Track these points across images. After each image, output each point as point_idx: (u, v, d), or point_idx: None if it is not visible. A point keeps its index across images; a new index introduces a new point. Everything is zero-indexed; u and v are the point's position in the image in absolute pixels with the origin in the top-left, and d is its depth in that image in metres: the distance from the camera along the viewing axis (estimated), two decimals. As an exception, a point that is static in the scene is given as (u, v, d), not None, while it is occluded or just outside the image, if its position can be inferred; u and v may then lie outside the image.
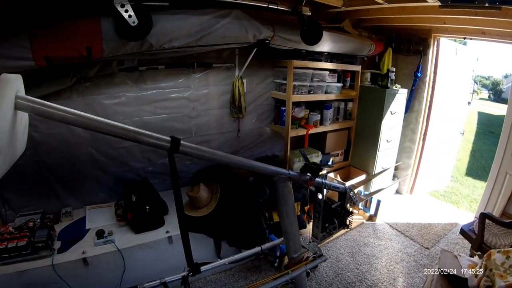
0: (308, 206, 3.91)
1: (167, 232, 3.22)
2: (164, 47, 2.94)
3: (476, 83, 19.12)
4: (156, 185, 3.62)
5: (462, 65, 5.46)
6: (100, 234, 3.05)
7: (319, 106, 4.54)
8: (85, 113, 1.34)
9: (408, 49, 5.14)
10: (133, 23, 2.59)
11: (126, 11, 2.51)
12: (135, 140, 1.54)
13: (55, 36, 2.65)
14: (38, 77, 2.91)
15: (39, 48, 2.60)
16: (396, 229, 4.52)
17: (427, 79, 5.06)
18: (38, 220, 3.20)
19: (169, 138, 1.62)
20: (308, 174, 2.43)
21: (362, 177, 4.67)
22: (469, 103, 9.61)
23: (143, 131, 1.54)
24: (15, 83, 1.21)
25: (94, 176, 3.66)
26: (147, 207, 3.22)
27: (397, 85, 4.87)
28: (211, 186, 3.53)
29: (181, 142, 1.66)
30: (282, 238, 2.82)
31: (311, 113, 4.36)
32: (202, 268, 2.32)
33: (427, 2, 2.99)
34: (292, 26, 3.60)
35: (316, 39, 3.48)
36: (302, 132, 4.22)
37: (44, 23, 2.67)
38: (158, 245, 3.17)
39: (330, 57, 4.30)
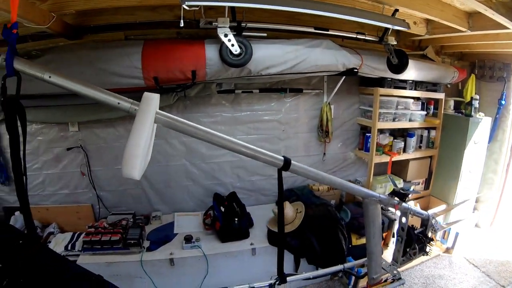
0: (386, 233, 3.96)
1: (251, 244, 3.41)
2: (261, 73, 3.20)
3: None
4: (242, 200, 3.84)
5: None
6: (188, 239, 3.34)
7: (403, 134, 4.57)
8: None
9: (492, 75, 4.97)
10: (236, 51, 2.86)
11: (229, 40, 2.79)
12: (253, 157, 1.73)
13: (163, 59, 3.01)
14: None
15: (149, 69, 2.99)
16: (473, 264, 4.33)
17: (511, 106, 4.85)
18: (131, 220, 3.62)
19: (282, 158, 1.79)
20: (396, 198, 2.52)
21: (442, 207, 4.56)
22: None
23: (261, 150, 1.73)
24: (155, 101, 1.42)
25: (186, 186, 4.01)
26: (236, 219, 3.43)
27: (480, 113, 4.70)
28: (296, 205, 3.67)
29: (292, 162, 1.82)
30: (364, 259, 2.92)
31: (395, 140, 4.39)
32: (288, 278, 2.48)
33: (509, 29, 2.97)
34: (378, 55, 3.74)
35: (402, 68, 3.55)
36: (385, 159, 4.28)
37: (154, 46, 3.05)
38: (241, 255, 3.37)
39: (414, 84, 4.33)
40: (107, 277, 2.33)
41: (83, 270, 1.92)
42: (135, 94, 3.13)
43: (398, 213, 2.73)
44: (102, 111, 3.50)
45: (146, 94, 1.41)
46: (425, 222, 2.93)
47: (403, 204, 2.57)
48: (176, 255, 3.23)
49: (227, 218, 3.44)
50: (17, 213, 3.74)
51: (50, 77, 1.34)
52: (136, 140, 1.33)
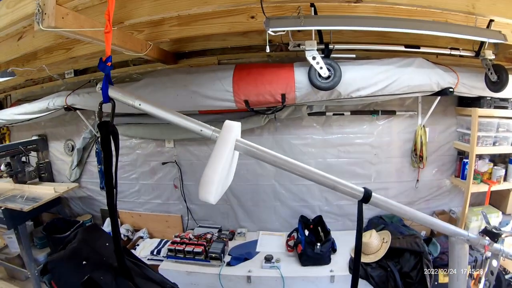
0: (479, 272, 3.64)
1: (331, 271, 3.34)
2: (352, 96, 3.17)
3: None
4: (328, 224, 3.79)
5: None
6: (268, 259, 3.41)
7: (504, 160, 4.12)
8: (277, 153, 1.54)
9: None
10: (324, 74, 2.88)
11: (318, 63, 2.81)
12: (332, 187, 1.68)
13: (253, 83, 3.14)
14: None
15: (240, 93, 3.15)
16: None
17: None
18: (215, 234, 3.84)
19: (362, 189, 1.72)
20: (487, 238, 2.33)
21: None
22: None
23: (340, 180, 1.67)
24: (235, 129, 1.47)
25: (273, 206, 4.10)
26: (318, 244, 3.38)
27: None
28: (383, 234, 3.54)
29: (372, 194, 1.77)
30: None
31: (495, 167, 3.96)
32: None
33: None
34: (475, 71, 3.47)
35: (502, 86, 3.24)
36: (483, 188, 3.85)
37: (244, 70, 3.21)
38: (319, 281, 3.33)
39: (517, 104, 3.92)
40: (185, 285, 2.54)
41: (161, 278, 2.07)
42: (229, 115, 3.40)
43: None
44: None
45: (227, 122, 1.46)
46: None
47: (495, 245, 2.37)
48: (254, 273, 3.32)
49: (309, 242, 3.42)
50: None
51: (140, 104, 1.46)
52: (214, 166, 1.39)
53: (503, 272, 2.63)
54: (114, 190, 1.54)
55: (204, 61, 3.66)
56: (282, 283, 3.26)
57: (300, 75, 3.07)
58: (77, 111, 3.95)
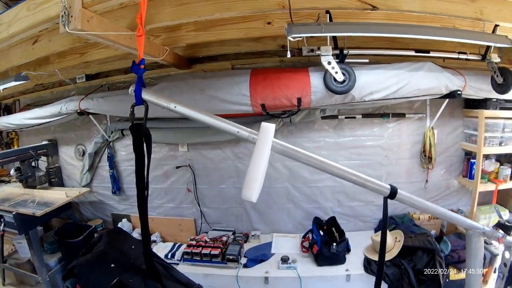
0: (487, 269, 3.78)
1: (347, 270, 3.46)
2: (365, 99, 3.31)
3: None
4: (341, 225, 3.88)
5: None
6: (285, 259, 3.51)
7: (510, 159, 4.28)
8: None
9: None
10: (340, 78, 3.01)
11: (333, 68, 2.92)
12: (362, 185, 1.80)
13: (270, 87, 3.25)
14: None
15: (257, 97, 3.26)
16: None
17: None
18: (231, 236, 3.93)
19: (388, 186, 1.85)
20: (501, 231, 2.46)
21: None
22: None
23: (369, 178, 1.80)
24: (272, 131, 1.53)
25: (286, 208, 4.21)
26: (334, 244, 3.48)
27: None
28: (395, 234, 3.66)
29: (398, 190, 1.88)
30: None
31: (501, 166, 4.12)
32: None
33: None
34: (482, 74, 3.63)
35: (508, 88, 3.36)
36: (490, 187, 4.02)
37: (260, 74, 3.32)
38: (335, 280, 3.44)
39: (522, 104, 4.09)
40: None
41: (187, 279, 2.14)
42: (244, 119, 3.48)
43: (501, 248, 2.64)
44: (209, 135, 3.86)
45: (264, 124, 1.53)
46: None
47: (508, 237, 2.49)
48: (271, 274, 3.42)
49: (325, 243, 3.52)
50: (124, 219, 4.38)
51: (175, 107, 1.52)
52: (257, 166, 1.47)
53: None
54: (146, 192, 1.61)
55: (218, 66, 3.76)
56: (299, 283, 3.35)
57: (315, 80, 3.20)
58: (90, 115, 4.02)
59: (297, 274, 3.38)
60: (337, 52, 2.97)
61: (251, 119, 3.66)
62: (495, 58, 3.25)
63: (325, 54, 2.85)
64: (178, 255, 3.83)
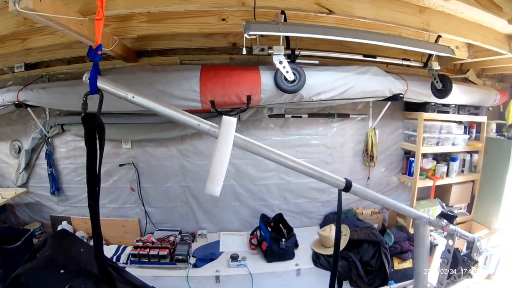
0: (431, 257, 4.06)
1: (296, 265, 3.57)
2: (313, 99, 3.44)
3: None
4: (288, 222, 3.99)
5: None
6: (234, 257, 3.55)
7: (446, 158, 4.68)
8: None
9: (534, 96, 5.05)
10: (290, 78, 3.09)
11: (284, 67, 3.01)
12: (319, 179, 1.89)
13: (221, 83, 3.26)
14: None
15: (207, 93, 3.24)
16: (515, 291, 4.39)
17: (555, 128, 4.91)
18: (178, 236, 3.87)
19: (344, 180, 1.95)
20: (444, 220, 2.68)
21: (484, 232, 4.62)
22: None
23: (326, 172, 1.90)
24: (234, 124, 1.56)
25: (233, 206, 4.24)
26: (283, 239, 3.58)
27: (523, 135, 4.77)
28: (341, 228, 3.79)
29: (352, 184, 2.00)
30: (407, 281, 3.14)
31: (438, 164, 4.48)
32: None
33: None
34: (422, 80, 3.92)
35: (446, 93, 3.70)
36: (428, 183, 4.37)
37: (211, 71, 3.30)
38: (286, 276, 3.53)
39: (457, 108, 4.46)
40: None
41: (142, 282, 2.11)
42: None
43: (441, 239, 2.85)
44: (155, 131, 3.80)
45: (226, 117, 1.55)
46: (471, 245, 3.00)
47: (451, 226, 2.67)
48: (222, 272, 3.43)
49: (274, 239, 3.60)
50: (64, 222, 4.12)
51: (133, 97, 1.45)
52: (221, 159, 1.50)
53: (459, 251, 2.98)
54: (98, 188, 1.54)
55: (166, 60, 3.69)
56: (251, 280, 3.40)
57: (266, 78, 3.26)
58: (28, 108, 3.72)
59: (248, 271, 3.43)
60: (288, 52, 3.05)
61: (199, 116, 3.58)
62: (435, 66, 3.57)
63: (277, 53, 2.92)
64: (123, 258, 3.67)
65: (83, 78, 1.44)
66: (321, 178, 1.91)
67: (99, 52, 1.44)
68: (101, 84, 1.42)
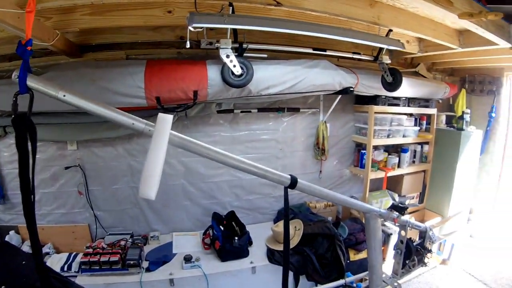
0: (383, 247, 4.14)
1: (251, 262, 3.54)
2: (261, 93, 3.39)
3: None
4: (240, 219, 3.97)
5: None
6: (188, 259, 3.46)
7: (397, 150, 4.82)
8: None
9: (482, 89, 5.31)
10: (237, 72, 3.03)
11: (231, 61, 2.94)
12: (263, 176, 1.87)
13: (166, 79, 3.14)
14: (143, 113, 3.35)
15: (152, 89, 3.12)
16: (469, 273, 4.56)
17: (501, 119, 5.21)
18: (129, 240, 3.71)
19: (289, 176, 1.94)
20: (395, 212, 2.73)
21: (437, 219, 4.80)
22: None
23: (269, 169, 1.87)
24: (169, 122, 1.49)
25: (184, 206, 4.15)
26: (235, 238, 3.55)
27: (471, 126, 4.99)
28: (294, 223, 3.81)
29: (298, 180, 1.98)
30: (364, 273, 3.17)
31: (390, 156, 4.63)
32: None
33: (498, 45, 3.21)
34: (372, 73, 3.98)
35: (396, 86, 3.76)
36: (380, 174, 4.49)
37: (156, 66, 3.17)
38: (241, 274, 3.50)
39: (408, 101, 4.59)
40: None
41: None
42: (136, 114, 3.33)
43: (395, 228, 2.90)
44: (101, 130, 3.63)
45: (161, 115, 1.48)
46: (423, 234, 3.11)
47: (402, 217, 2.74)
48: (176, 275, 3.34)
49: (227, 237, 3.56)
50: (11, 232, 3.86)
51: (64, 96, 1.37)
52: (155, 160, 1.41)
53: (412, 240, 3.04)
54: (32, 196, 1.43)
55: (111, 55, 3.55)
56: (206, 281, 3.34)
57: (213, 72, 3.17)
58: None
59: (202, 272, 3.36)
60: (236, 45, 2.98)
61: (145, 114, 3.41)
62: (386, 59, 3.60)
63: (224, 47, 2.85)
64: (75, 266, 3.52)
65: (12, 76, 1.35)
66: (264, 175, 1.88)
67: (29, 48, 1.34)
68: (30, 82, 1.34)
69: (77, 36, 3.20)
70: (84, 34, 3.20)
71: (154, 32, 3.30)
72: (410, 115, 4.79)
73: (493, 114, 5.19)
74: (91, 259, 3.30)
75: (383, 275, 2.97)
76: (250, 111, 4.05)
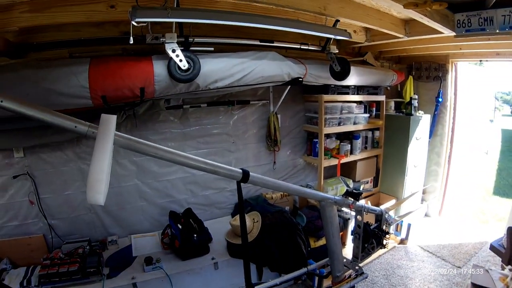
0: (342, 232, 4.25)
1: (212, 258, 3.53)
2: (210, 87, 3.39)
3: (497, 100, 18.98)
4: (198, 215, 3.98)
5: (481, 85, 5.94)
6: (149, 261, 3.40)
7: (349, 137, 4.96)
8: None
9: (428, 75, 5.60)
10: (184, 66, 3.00)
11: (177, 55, 2.91)
12: (213, 172, 1.88)
13: (111, 77, 3.07)
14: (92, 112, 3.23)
15: (97, 88, 3.02)
16: (428, 251, 4.81)
17: (448, 103, 5.52)
18: (87, 247, 3.61)
19: (240, 170, 1.97)
20: (350, 198, 2.83)
21: (392, 202, 4.97)
22: (491, 121, 9.92)
23: (220, 164, 1.89)
24: (113, 122, 1.47)
25: (140, 207, 4.09)
26: (194, 235, 3.55)
27: (420, 111, 5.25)
28: (252, 215, 3.85)
29: (250, 173, 2.01)
30: (325, 260, 3.20)
31: (342, 143, 4.76)
32: (256, 287, 2.70)
33: (443, 33, 3.39)
34: (321, 63, 4.06)
35: (345, 75, 3.88)
36: (334, 162, 4.62)
37: (101, 64, 3.11)
38: (204, 271, 3.49)
39: (357, 89, 4.74)
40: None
41: None
42: (83, 115, 3.24)
43: (353, 213, 3.01)
44: (48, 135, 3.47)
45: (104, 116, 1.46)
46: (379, 218, 3.25)
47: (357, 203, 2.86)
48: (138, 279, 3.27)
49: (185, 235, 3.54)
50: None
51: (1, 101, 1.32)
52: (100, 164, 1.39)
53: (369, 224, 3.15)
54: None
55: (54, 54, 3.40)
56: (169, 281, 3.31)
57: (159, 68, 3.12)
58: None
59: (164, 273, 3.32)
60: (182, 39, 2.96)
61: (92, 114, 3.41)
62: (334, 49, 3.70)
63: (169, 41, 2.80)
64: (34, 280, 3.29)
65: None
66: (215, 171, 1.89)
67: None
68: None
69: (17, 35, 3.06)
70: (25, 33, 3.08)
71: (97, 28, 3.23)
72: (360, 102, 4.95)
73: (440, 99, 5.46)
74: (49, 271, 3.16)
75: (344, 260, 3.07)
76: (199, 106, 4.04)
